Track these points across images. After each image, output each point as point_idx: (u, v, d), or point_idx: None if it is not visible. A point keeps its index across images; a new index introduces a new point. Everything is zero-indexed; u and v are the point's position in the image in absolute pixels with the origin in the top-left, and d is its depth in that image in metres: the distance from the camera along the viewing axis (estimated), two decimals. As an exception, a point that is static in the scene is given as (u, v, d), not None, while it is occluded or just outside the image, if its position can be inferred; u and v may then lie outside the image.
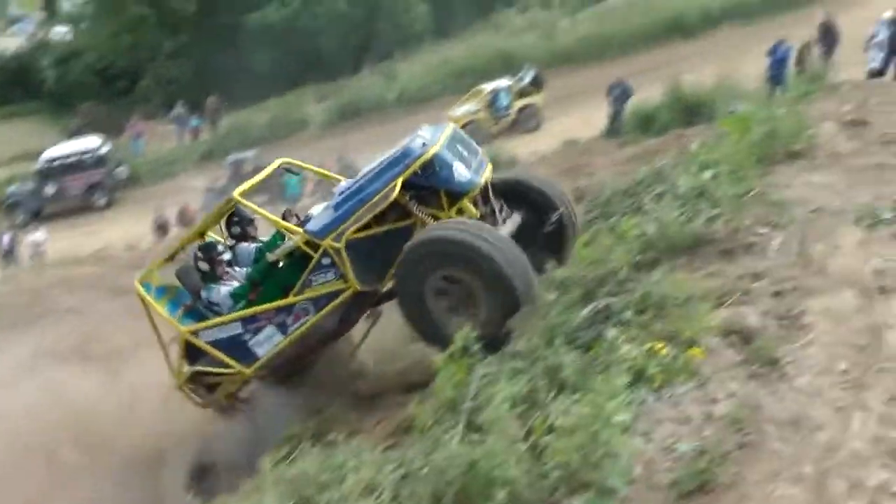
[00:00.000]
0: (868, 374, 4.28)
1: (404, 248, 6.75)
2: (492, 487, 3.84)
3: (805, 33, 19.27)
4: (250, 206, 7.95)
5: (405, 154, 7.16)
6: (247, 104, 38.05)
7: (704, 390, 4.34)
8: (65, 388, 9.72)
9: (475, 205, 7.35)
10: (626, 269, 5.85)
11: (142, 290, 8.36)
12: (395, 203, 7.13)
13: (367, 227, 7.17)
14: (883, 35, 17.38)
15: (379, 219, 7.23)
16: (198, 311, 8.28)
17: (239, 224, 8.63)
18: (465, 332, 5.05)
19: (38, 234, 21.22)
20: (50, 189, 29.13)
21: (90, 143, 31.09)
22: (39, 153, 31.12)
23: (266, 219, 7.75)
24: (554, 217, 7.70)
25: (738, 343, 4.75)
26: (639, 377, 4.49)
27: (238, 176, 22.88)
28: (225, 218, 8.58)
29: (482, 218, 7.27)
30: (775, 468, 3.66)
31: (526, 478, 3.88)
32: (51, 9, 53.24)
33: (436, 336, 6.54)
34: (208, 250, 8.20)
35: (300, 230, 7.45)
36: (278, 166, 8.69)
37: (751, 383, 4.35)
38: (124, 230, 22.82)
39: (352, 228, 7.08)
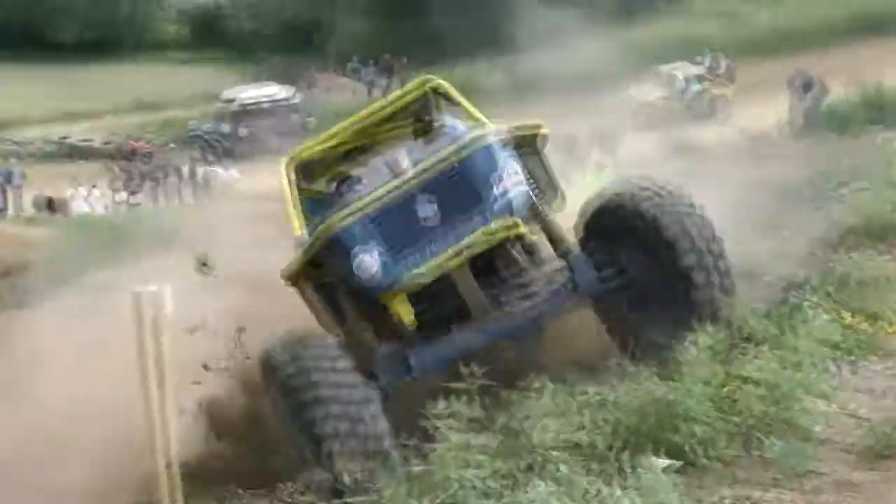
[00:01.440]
0: None
1: None
2: (686, 422, 4.08)
3: None
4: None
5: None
6: (425, 67, 38.79)
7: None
8: None
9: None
10: (823, 249, 6.03)
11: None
12: None
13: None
14: None
15: None
16: None
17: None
18: None
19: (233, 172, 22.29)
20: (243, 131, 29.99)
21: (284, 91, 31.80)
22: (216, 96, 32.37)
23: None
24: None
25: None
26: (834, 348, 4.67)
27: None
28: None
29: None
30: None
31: (720, 417, 4.12)
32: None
33: None
34: (343, 178, 6.78)
35: None
36: (427, 89, 6.58)
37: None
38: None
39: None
